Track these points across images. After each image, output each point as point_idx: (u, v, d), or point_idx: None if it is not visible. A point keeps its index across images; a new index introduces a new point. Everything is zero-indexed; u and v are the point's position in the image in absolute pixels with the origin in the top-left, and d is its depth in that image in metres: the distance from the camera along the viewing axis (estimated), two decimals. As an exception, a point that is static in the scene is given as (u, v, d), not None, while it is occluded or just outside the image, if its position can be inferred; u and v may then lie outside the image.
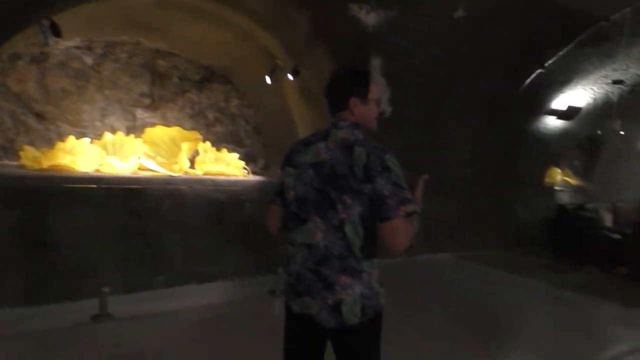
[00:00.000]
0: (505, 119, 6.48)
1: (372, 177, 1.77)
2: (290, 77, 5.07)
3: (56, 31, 3.89)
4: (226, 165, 5.38)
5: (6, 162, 4.76)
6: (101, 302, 3.71)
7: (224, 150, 5.59)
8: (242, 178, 5.19)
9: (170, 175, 4.76)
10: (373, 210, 1.78)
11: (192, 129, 5.76)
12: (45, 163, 4.38)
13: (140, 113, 5.60)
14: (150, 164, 4.89)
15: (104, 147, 4.85)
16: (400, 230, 1.76)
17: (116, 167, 4.65)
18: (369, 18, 4.59)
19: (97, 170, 4.58)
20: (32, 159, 4.39)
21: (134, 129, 5.55)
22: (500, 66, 5.80)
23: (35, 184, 3.84)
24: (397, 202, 1.75)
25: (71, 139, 4.69)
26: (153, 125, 5.63)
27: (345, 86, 1.95)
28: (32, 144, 4.92)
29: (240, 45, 5.42)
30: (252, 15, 4.65)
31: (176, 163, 5.18)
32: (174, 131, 5.29)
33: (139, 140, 5.03)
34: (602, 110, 7.29)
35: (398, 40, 4.82)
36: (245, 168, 5.46)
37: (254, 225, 4.92)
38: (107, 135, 5.01)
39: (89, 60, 5.17)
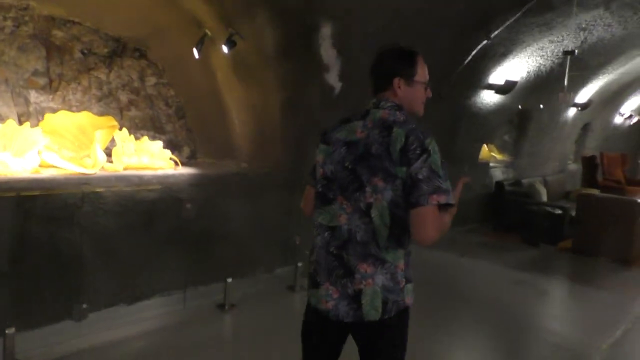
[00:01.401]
0: (448, 94, 6.14)
1: (409, 160, 1.68)
2: (224, 49, 4.28)
3: None
4: (150, 157, 4.49)
5: None
6: (4, 347, 2.80)
7: (145, 139, 4.69)
8: (172, 171, 4.35)
9: (83, 173, 3.83)
10: (405, 196, 1.69)
11: (103, 114, 4.78)
12: None
13: (34, 96, 4.52)
14: (55, 160, 3.91)
15: (-9, 141, 3.79)
16: (429, 220, 1.65)
17: (10, 167, 3.63)
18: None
19: (-12, 172, 3.54)
20: None
21: (28, 116, 4.47)
22: (446, 37, 5.40)
23: None
24: (431, 190, 1.65)
25: (-57, 132, 3.59)
26: (53, 111, 4.59)
27: (389, 65, 1.88)
28: None
29: (158, 11, 4.51)
30: (178, -28, 3.81)
31: (88, 157, 4.22)
32: (83, 117, 4.30)
33: (37, 129, 4.01)
34: (533, 84, 7.22)
35: (349, 6, 4.20)
36: (173, 159, 4.61)
37: (193, 227, 4.14)
38: (-7, 125, 3.94)
39: (-40, 29, 4.02)
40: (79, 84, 4.78)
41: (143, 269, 3.85)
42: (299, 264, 4.39)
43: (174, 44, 4.92)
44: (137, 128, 5.14)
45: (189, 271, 4.01)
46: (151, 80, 5.24)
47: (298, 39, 4.28)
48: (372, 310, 1.72)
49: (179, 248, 4.02)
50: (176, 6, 4.36)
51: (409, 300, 1.78)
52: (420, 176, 1.65)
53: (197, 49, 4.48)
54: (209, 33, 4.49)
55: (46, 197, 3.36)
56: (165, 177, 4.13)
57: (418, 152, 1.67)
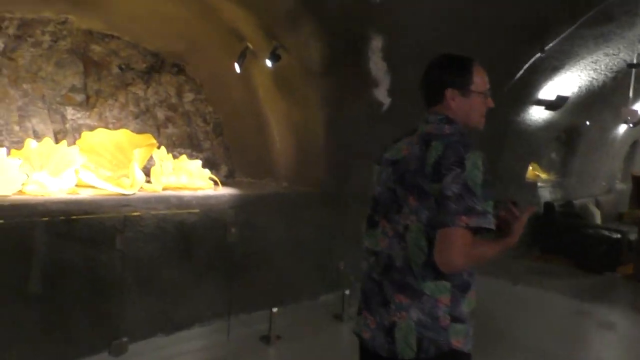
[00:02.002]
0: (496, 109, 5.81)
1: (442, 175, 1.51)
2: (268, 63, 4.06)
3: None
4: (189, 176, 4.28)
5: None
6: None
7: (183, 157, 4.48)
8: (212, 192, 4.12)
9: (122, 194, 3.62)
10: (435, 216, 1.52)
11: (140, 131, 4.60)
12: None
13: (71, 113, 4.37)
14: (93, 179, 3.71)
15: (28, 160, 3.62)
16: (454, 244, 1.46)
17: (47, 187, 3.44)
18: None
19: (21, 193, 3.35)
20: None
21: (64, 134, 4.32)
22: (498, 50, 5.10)
23: None
24: (461, 209, 1.46)
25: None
26: (90, 128, 4.43)
27: (439, 76, 1.70)
28: None
29: (198, 24, 4.34)
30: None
31: (126, 176, 4.02)
32: (121, 135, 4.12)
33: (74, 148, 3.83)
34: (584, 100, 6.84)
35: (399, 17, 3.94)
36: (212, 178, 4.38)
37: (234, 251, 3.89)
38: (31, 144, 3.77)
39: (-1, 44, 3.89)
40: (116, 100, 4.62)
41: (182, 296, 3.60)
42: (346, 292, 4.09)
43: (212, 59, 4.73)
44: (174, 146, 4.95)
45: (230, 298, 3.74)
46: (189, 96, 5.06)
47: (344, 51, 4.04)
48: (406, 347, 1.55)
49: (219, 274, 3.77)
50: (216, 18, 4.17)
51: (457, 343, 1.54)
52: (449, 193, 1.48)
53: (238, 63, 4.27)
54: (250, 47, 4.29)
55: (85, 220, 3.15)
56: (206, 199, 3.90)
57: (452, 166, 1.50)
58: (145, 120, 4.82)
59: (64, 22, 4.13)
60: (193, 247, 3.72)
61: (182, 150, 5.00)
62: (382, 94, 4.30)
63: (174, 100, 4.99)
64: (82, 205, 3.21)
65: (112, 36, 4.44)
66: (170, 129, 4.97)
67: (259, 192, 4.32)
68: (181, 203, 3.73)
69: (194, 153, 5.09)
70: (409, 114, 4.41)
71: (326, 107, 4.35)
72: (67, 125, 4.37)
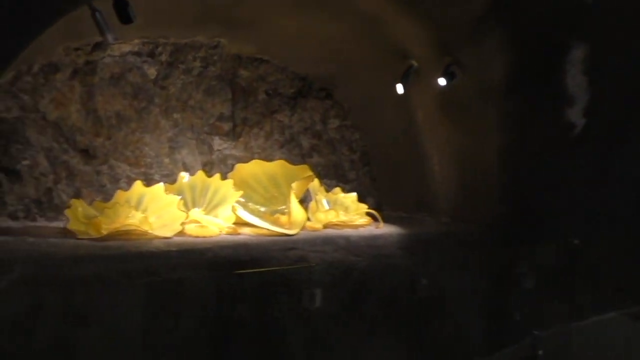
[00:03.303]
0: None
1: None
2: (441, 82, 3.52)
3: (125, 13, 2.37)
4: (345, 212, 3.79)
5: (43, 223, 3.22)
6: None
7: (338, 190, 4.02)
8: (377, 231, 3.60)
9: (284, 234, 3.19)
10: None
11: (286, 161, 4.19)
12: (106, 226, 2.83)
13: (217, 143, 4.07)
14: (251, 217, 3.32)
15: (181, 194, 3.30)
16: None
17: (207, 226, 3.08)
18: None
19: (182, 233, 3.01)
20: (86, 221, 2.84)
21: (211, 166, 4.02)
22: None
23: (97, 270, 2.26)
24: None
25: (138, 186, 3.14)
26: (236, 159, 4.10)
27: None
28: (77, 194, 3.39)
29: (354, 44, 3.90)
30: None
31: (280, 213, 3.61)
32: (276, 167, 3.73)
33: (229, 181, 3.47)
34: None
35: (610, 22, 3.25)
36: (372, 214, 3.85)
37: (407, 303, 3.31)
38: (184, 177, 3.47)
39: (151, 71, 3.66)
40: (261, 128, 4.28)
41: (357, 355, 3.07)
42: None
43: (365, 82, 4.27)
44: (319, 177, 4.50)
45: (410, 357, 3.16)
46: (334, 122, 4.63)
47: (534, 65, 3.40)
48: None
49: (398, 328, 3.20)
50: (377, 36, 3.72)
51: None
52: None
53: (402, 83, 3.77)
54: (415, 65, 3.77)
55: (255, 267, 2.72)
56: (373, 239, 3.37)
57: None
58: (291, 149, 4.43)
59: (215, 47, 3.85)
60: (364, 297, 3.19)
61: (327, 182, 4.55)
62: (575, 115, 3.59)
63: (318, 127, 4.57)
64: (250, 249, 2.79)
65: (261, 60, 4.11)
66: (315, 158, 4.55)
67: (428, 231, 3.74)
68: (349, 245, 3.22)
69: (339, 184, 4.62)
70: (608, 138, 3.68)
71: (504, 131, 3.71)
72: (214, 157, 4.07)
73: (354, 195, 4.01)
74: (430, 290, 3.35)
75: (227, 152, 4.13)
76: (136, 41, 3.50)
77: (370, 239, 3.35)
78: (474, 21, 3.24)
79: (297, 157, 4.43)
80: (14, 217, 3.19)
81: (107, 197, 3.50)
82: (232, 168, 4.11)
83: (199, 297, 2.47)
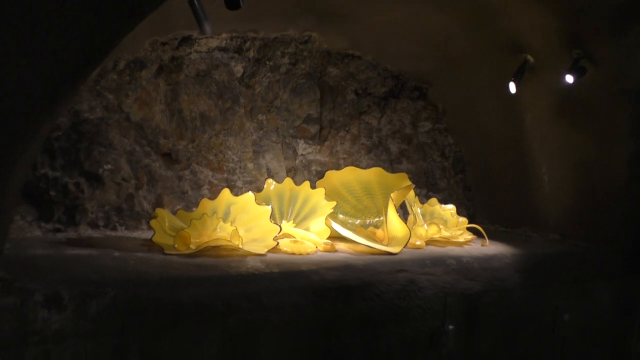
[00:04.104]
0: None
1: None
2: (568, 79, 3.05)
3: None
4: (444, 227, 3.37)
5: (124, 233, 2.97)
6: None
7: (435, 201, 3.61)
8: (487, 249, 3.17)
9: (387, 252, 2.81)
10: None
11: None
12: (195, 240, 2.54)
13: (302, 147, 3.74)
14: (347, 233, 2.96)
15: (268, 204, 2.97)
16: None
17: (305, 243, 2.74)
18: None
19: (277, 250, 2.68)
20: (173, 233, 2.56)
21: (294, 171, 3.70)
22: None
23: (196, 296, 1.96)
24: None
25: (226, 194, 2.84)
26: (320, 164, 3.77)
27: None
28: (158, 201, 3.14)
29: (459, 38, 3.50)
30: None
31: (376, 227, 3.26)
32: (372, 175, 3.36)
33: (321, 190, 3.13)
34: None
35: None
36: (476, 229, 3.42)
37: (527, 334, 2.87)
38: (271, 184, 3.16)
39: (238, 68, 3.37)
40: (347, 131, 3.93)
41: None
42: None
43: (466, 80, 3.85)
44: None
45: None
46: (425, 125, 4.21)
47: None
48: None
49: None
50: (489, 29, 3.29)
51: None
52: None
53: (514, 81, 3.32)
54: (531, 60, 3.32)
55: (364, 294, 2.36)
56: (487, 260, 2.95)
57: None
58: (379, 154, 4.05)
59: (306, 41, 3.52)
60: (482, 327, 2.78)
61: (417, 190, 4.14)
62: None
63: (408, 130, 4.17)
64: (357, 272, 2.43)
65: (353, 56, 3.75)
66: (405, 165, 4.15)
67: (544, 251, 3.27)
68: (460, 266, 2.82)
69: (430, 193, 4.21)
70: None
71: (636, 138, 3.20)
72: (297, 162, 3.75)
73: (452, 207, 3.59)
74: (557, 323, 2.90)
75: (311, 157, 3.80)
76: (224, 35, 3.21)
77: (483, 260, 2.93)
78: (614, 9, 2.77)
79: (386, 163, 4.05)
80: (94, 225, 2.96)
81: (189, 204, 3.24)
82: (316, 174, 3.79)
83: (310, 327, 2.13)
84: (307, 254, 2.65)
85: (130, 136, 3.06)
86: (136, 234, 2.99)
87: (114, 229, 3.03)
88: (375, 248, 2.82)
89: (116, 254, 2.36)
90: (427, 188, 4.23)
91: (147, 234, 2.98)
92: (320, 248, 2.78)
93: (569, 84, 3.11)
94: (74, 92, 1.90)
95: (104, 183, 2.98)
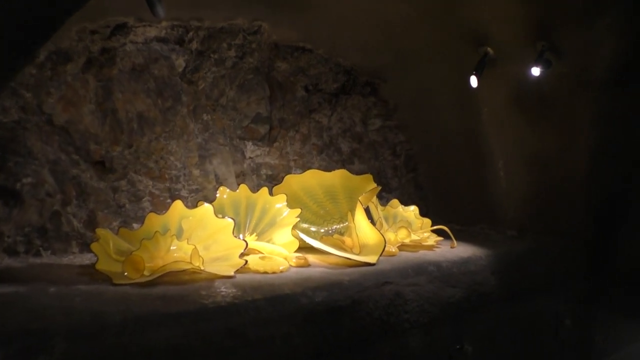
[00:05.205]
0: None
1: None
2: (534, 72, 2.96)
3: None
4: (410, 230, 3.17)
5: (51, 259, 2.47)
6: None
7: (396, 203, 3.40)
8: (458, 252, 3.00)
9: (366, 263, 2.55)
10: None
11: (325, 169, 3.54)
12: (148, 265, 2.13)
13: (250, 149, 3.39)
14: (318, 244, 2.66)
15: (223, 215, 2.61)
16: None
17: (276, 258, 2.41)
18: None
19: (246, 269, 2.32)
20: (120, 258, 2.13)
21: (243, 177, 3.34)
22: None
23: (174, 338, 1.58)
24: None
25: (178, 207, 2.44)
26: (270, 168, 3.45)
27: None
28: (91, 218, 2.66)
29: (417, 28, 3.32)
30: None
31: (340, 233, 2.99)
32: (335, 178, 3.08)
33: (281, 197, 2.81)
34: None
35: None
36: (443, 230, 3.24)
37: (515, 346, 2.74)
38: (224, 192, 2.79)
39: (180, 62, 2.95)
40: (297, 131, 3.63)
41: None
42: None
43: (420, 74, 3.69)
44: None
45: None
46: (375, 123, 4.01)
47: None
48: None
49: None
50: (449, 18, 3.13)
51: None
52: None
53: (476, 74, 3.20)
54: (491, 52, 3.20)
55: (353, 313, 2.08)
56: (464, 264, 2.78)
57: None
58: (330, 154, 3.79)
59: (255, 32, 3.17)
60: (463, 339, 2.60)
61: (370, 191, 3.92)
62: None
63: (358, 128, 3.95)
64: (345, 289, 2.14)
65: (304, 49, 3.45)
66: (357, 165, 3.92)
67: (514, 249, 3.16)
68: (442, 274, 2.63)
69: (382, 194, 4.00)
70: None
71: (598, 129, 3.19)
72: (245, 166, 3.39)
73: (414, 208, 3.40)
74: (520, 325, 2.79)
75: (260, 160, 3.45)
76: (164, 24, 2.79)
77: (461, 264, 2.75)
78: (584, -1, 2.70)
79: (338, 163, 3.80)
80: (12, 252, 2.43)
81: (127, 220, 2.79)
82: (266, 178, 3.46)
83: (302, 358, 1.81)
84: (280, 271, 2.32)
85: (54, 142, 2.55)
86: (67, 259, 2.50)
87: (37, 254, 2.51)
88: (352, 259, 2.54)
89: (52, 289, 1.90)
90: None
91: (80, 259, 2.51)
92: (292, 263, 2.46)
93: (532, 77, 3.02)
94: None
95: (23, 200, 2.46)
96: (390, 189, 4.10)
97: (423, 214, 4.11)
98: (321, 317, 1.95)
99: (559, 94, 3.16)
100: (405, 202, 3.79)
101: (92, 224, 2.66)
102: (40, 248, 2.53)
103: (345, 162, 3.86)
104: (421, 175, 4.17)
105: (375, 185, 3.01)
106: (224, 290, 1.96)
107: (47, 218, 2.56)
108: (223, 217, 2.52)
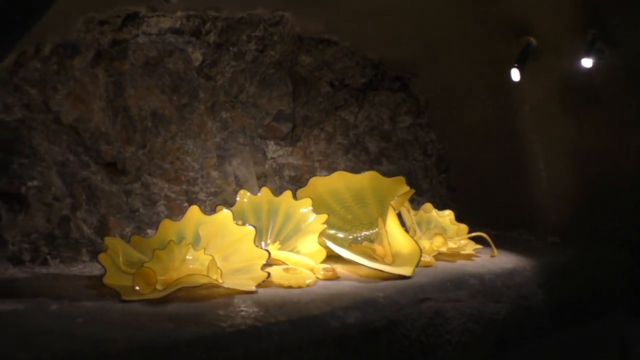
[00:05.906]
0: None
1: None
2: (585, 63, 2.68)
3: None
4: (446, 237, 2.91)
5: (59, 269, 2.28)
6: None
7: (430, 207, 3.15)
8: (495, 260, 2.74)
9: (401, 275, 2.30)
10: None
11: (352, 170, 3.29)
12: (162, 278, 1.92)
13: (272, 149, 3.17)
14: (349, 254, 2.43)
15: (244, 221, 2.40)
16: None
17: (301, 270, 2.18)
18: None
19: (269, 282, 2.10)
20: (131, 270, 1.93)
21: (264, 179, 3.12)
22: None
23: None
24: None
25: (194, 213, 2.23)
26: (294, 168, 3.23)
27: None
28: (102, 224, 2.47)
29: (449, 18, 3.05)
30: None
31: (370, 241, 2.75)
32: (364, 180, 2.84)
33: (307, 201, 2.58)
34: None
35: None
36: (482, 237, 2.98)
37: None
38: (245, 195, 2.58)
39: (196, 56, 2.74)
40: (322, 129, 3.40)
41: None
42: None
43: (454, 67, 3.42)
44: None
45: None
46: (405, 120, 3.76)
47: None
48: None
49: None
50: (481, 8, 2.86)
51: None
52: None
53: (518, 67, 2.92)
54: (534, 42, 2.93)
55: (390, 335, 1.84)
56: (508, 276, 2.51)
57: None
58: (357, 154, 3.56)
59: (277, 23, 2.94)
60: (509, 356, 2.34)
61: (399, 194, 3.67)
62: None
63: (386, 126, 3.70)
64: (380, 308, 1.90)
65: (329, 42, 3.22)
66: (385, 166, 3.67)
67: (566, 258, 2.89)
68: (484, 287, 2.37)
69: (413, 197, 3.75)
70: None
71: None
72: (267, 167, 3.17)
73: (449, 212, 3.15)
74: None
75: (282, 160, 3.24)
76: (179, 14, 2.58)
77: (505, 276, 2.49)
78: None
79: (365, 164, 3.57)
80: (17, 261, 2.25)
81: (141, 225, 2.60)
82: (289, 180, 3.25)
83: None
84: (307, 285, 2.09)
85: (62, 142, 2.37)
86: (76, 268, 2.32)
87: (45, 263, 2.33)
88: (385, 271, 2.30)
89: (54, 306, 1.70)
90: (409, 190, 3.77)
91: (90, 268, 2.32)
92: (319, 276, 2.23)
93: (581, 69, 2.74)
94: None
95: (29, 205, 2.28)
96: (421, 192, 3.84)
97: (456, 218, 3.87)
98: (354, 341, 1.71)
99: (608, 89, 2.86)
100: (437, 206, 3.53)
101: (103, 230, 2.48)
102: (48, 256, 2.35)
103: (372, 163, 3.62)
104: (454, 177, 3.90)
105: (408, 188, 2.77)
106: (245, 309, 1.74)
107: (55, 224, 2.38)
108: (243, 223, 2.32)
